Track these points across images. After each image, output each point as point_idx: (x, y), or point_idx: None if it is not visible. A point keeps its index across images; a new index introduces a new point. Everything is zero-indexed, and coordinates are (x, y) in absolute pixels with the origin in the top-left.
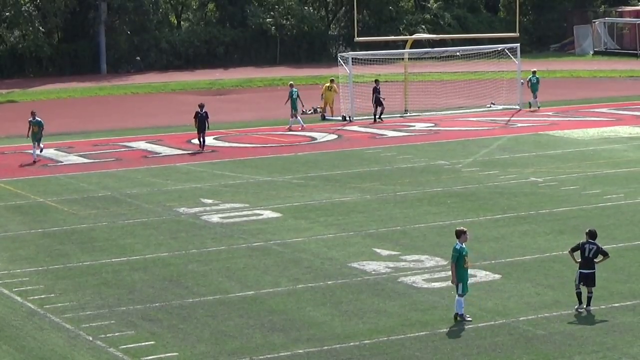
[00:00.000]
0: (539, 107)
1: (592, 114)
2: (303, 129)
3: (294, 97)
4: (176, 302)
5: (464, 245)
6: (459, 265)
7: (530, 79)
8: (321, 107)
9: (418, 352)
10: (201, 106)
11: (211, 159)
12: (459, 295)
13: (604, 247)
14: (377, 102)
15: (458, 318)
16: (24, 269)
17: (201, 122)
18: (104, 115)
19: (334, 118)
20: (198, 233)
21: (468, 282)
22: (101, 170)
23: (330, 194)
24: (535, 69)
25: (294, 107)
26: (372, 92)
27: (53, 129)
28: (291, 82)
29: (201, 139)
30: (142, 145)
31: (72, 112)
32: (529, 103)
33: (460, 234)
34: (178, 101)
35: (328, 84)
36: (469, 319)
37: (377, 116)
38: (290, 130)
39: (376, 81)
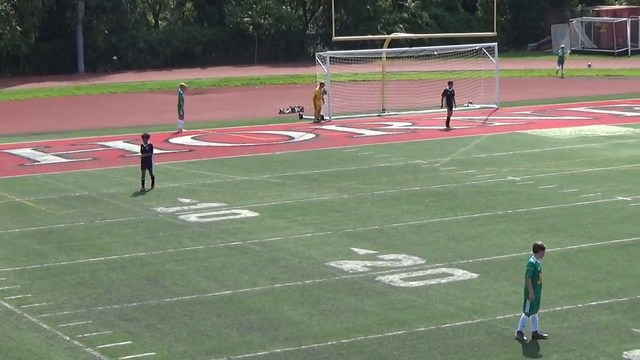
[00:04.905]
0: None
1: (569, 113)
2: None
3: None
4: (154, 302)
5: (539, 261)
6: (533, 281)
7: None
8: (316, 112)
9: (396, 351)
10: (145, 137)
11: (189, 159)
12: (526, 314)
13: (581, 246)
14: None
15: (531, 336)
16: (0, 269)
17: (146, 157)
18: (81, 115)
19: (309, 118)
20: (176, 232)
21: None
22: (79, 169)
23: (308, 193)
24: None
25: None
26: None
27: (30, 129)
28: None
29: (145, 178)
30: (120, 144)
31: (50, 111)
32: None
33: (538, 249)
34: (155, 101)
35: (318, 88)
36: (525, 339)
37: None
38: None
39: (449, 83)
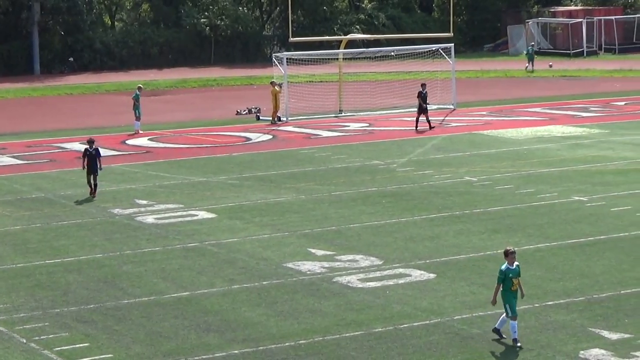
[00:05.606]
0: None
1: (526, 114)
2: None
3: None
4: (111, 304)
5: (512, 266)
6: (505, 287)
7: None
8: (273, 112)
9: (354, 352)
10: (91, 142)
11: (145, 160)
12: (510, 317)
13: (538, 246)
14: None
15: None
16: None
17: (92, 161)
18: (37, 116)
19: (266, 119)
20: (133, 234)
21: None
22: (35, 171)
23: (265, 195)
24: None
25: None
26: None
27: None
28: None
29: (92, 183)
30: (76, 146)
31: (5, 113)
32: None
33: (506, 255)
34: (112, 102)
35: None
36: (504, 337)
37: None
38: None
39: (423, 85)
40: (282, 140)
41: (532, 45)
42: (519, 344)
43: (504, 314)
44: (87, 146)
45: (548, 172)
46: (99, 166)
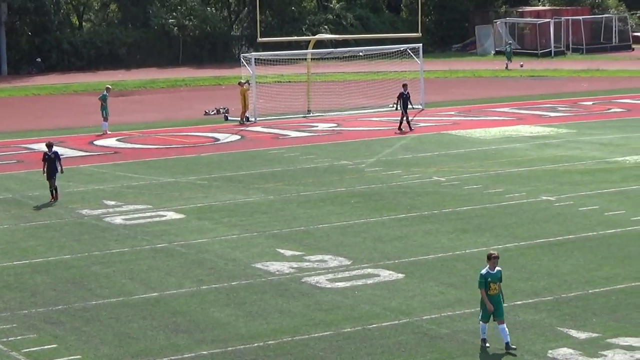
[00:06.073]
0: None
1: (494, 114)
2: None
3: None
4: (79, 305)
5: (492, 271)
6: (486, 291)
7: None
8: (242, 113)
9: (322, 352)
10: (49, 146)
11: (114, 161)
12: (482, 321)
13: (506, 246)
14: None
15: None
16: None
17: (51, 165)
18: (5, 117)
19: (235, 119)
20: (101, 235)
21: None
22: (2, 172)
23: (233, 195)
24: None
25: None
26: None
27: None
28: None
29: (53, 187)
30: (44, 147)
31: None
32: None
33: (487, 258)
34: (80, 102)
35: (245, 86)
36: (487, 345)
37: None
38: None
39: (404, 85)
40: (251, 141)
41: (510, 44)
42: (487, 345)
43: (481, 321)
44: (46, 150)
45: (516, 171)
46: (59, 169)
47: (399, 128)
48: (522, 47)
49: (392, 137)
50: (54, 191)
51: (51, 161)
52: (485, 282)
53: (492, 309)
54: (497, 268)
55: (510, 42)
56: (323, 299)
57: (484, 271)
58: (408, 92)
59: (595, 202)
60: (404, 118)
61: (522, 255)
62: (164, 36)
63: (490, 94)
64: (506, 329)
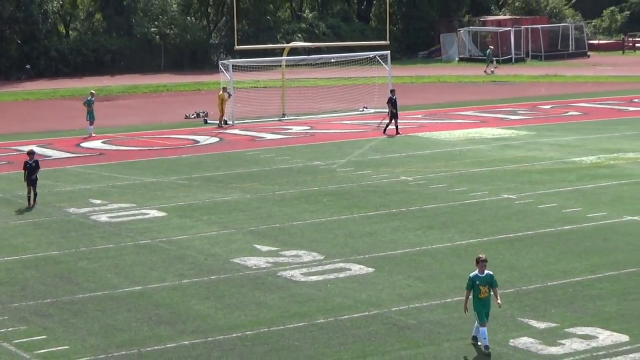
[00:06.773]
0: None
1: (458, 117)
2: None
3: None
4: (67, 298)
5: (480, 274)
6: (473, 294)
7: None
8: (220, 117)
9: (297, 342)
10: (31, 154)
11: (99, 162)
12: (480, 324)
13: (470, 241)
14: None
15: (478, 345)
16: None
17: (31, 173)
18: None
19: (213, 122)
20: (87, 232)
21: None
22: None
23: (213, 194)
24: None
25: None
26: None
27: None
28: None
29: (30, 195)
30: (34, 149)
31: None
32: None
33: (476, 262)
34: (67, 107)
35: (222, 92)
36: (488, 351)
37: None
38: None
39: (392, 91)
40: (229, 143)
41: (491, 49)
42: (489, 350)
43: (479, 326)
44: (27, 158)
45: (479, 171)
46: (35, 177)
47: (384, 131)
48: (485, 54)
49: (362, 139)
50: (32, 197)
51: (32, 169)
52: (473, 284)
53: (467, 311)
54: (488, 272)
55: (492, 47)
56: (297, 292)
57: (472, 274)
58: (396, 97)
59: (553, 200)
60: (393, 121)
61: (485, 250)
62: (147, 44)
63: (454, 98)
64: (486, 333)
